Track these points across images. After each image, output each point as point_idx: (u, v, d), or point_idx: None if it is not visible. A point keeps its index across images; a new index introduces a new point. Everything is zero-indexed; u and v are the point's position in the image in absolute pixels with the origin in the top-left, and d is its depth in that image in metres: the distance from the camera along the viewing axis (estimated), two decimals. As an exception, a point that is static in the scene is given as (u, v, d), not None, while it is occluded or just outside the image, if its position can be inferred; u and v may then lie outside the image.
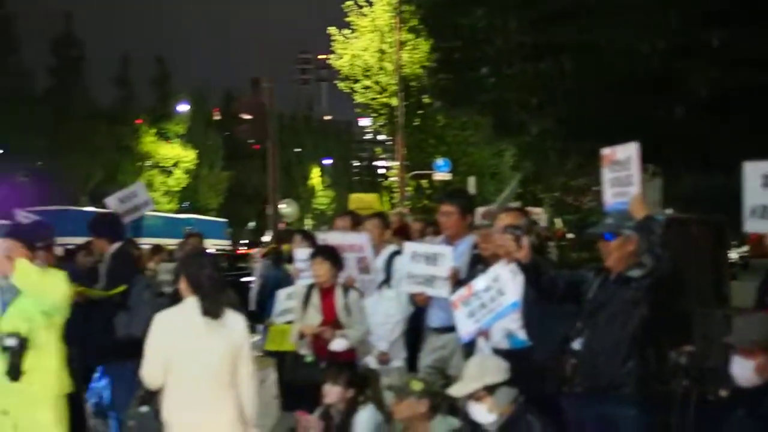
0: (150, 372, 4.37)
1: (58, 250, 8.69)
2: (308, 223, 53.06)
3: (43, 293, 4.72)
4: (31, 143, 36.78)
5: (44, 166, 39.23)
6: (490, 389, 4.67)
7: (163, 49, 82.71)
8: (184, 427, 4.34)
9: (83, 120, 39.16)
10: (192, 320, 4.33)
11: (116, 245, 6.59)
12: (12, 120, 35.67)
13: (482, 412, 4.70)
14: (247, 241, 44.62)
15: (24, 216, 8.97)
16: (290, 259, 8.57)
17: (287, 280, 8.12)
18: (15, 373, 4.53)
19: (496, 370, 4.76)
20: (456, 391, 4.86)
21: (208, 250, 11.80)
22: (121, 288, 6.24)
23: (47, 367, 4.74)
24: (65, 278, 4.94)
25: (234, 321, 4.50)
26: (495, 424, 4.68)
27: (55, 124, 37.90)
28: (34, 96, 38.62)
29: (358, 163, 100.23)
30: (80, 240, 9.93)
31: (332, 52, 27.80)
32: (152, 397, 4.56)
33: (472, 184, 24.54)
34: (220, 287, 4.48)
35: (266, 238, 16.57)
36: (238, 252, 30.70)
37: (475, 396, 4.69)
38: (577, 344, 4.61)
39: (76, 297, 5.98)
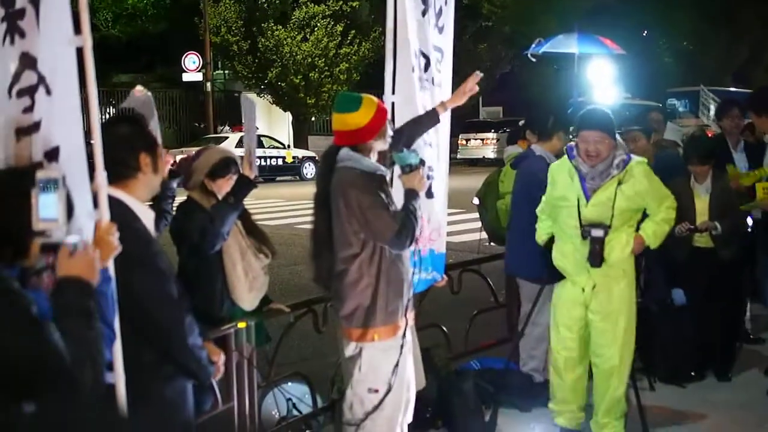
0: None
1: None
2: None
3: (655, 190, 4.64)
4: (673, 24, 36.59)
5: (688, 47, 39.13)
6: None
7: None
8: None
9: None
10: None
11: None
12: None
13: None
14: None
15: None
16: None
17: None
18: (596, 260, 4.50)
19: None
20: None
21: None
22: None
23: (626, 259, 4.60)
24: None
25: None
26: None
27: (698, 2, 36.41)
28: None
29: None
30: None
31: None
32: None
33: None
34: None
35: None
36: None
37: None
38: None
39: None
